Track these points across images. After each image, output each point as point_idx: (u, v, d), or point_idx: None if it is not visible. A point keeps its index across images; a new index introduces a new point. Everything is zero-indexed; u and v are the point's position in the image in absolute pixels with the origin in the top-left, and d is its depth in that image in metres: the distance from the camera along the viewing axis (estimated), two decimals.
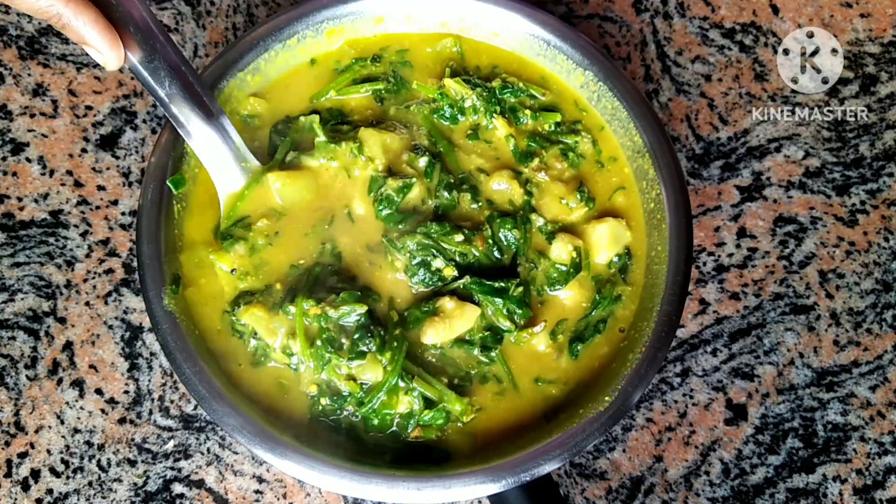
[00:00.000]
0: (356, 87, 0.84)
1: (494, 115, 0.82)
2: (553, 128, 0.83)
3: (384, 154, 0.78)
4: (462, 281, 0.75)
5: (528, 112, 0.83)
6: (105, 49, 0.62)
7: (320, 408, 0.72)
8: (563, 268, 0.77)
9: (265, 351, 0.73)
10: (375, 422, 0.72)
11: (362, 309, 0.72)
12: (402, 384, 0.71)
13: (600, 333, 0.77)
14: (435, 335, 0.73)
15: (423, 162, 0.78)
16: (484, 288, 0.75)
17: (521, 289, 0.76)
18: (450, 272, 0.75)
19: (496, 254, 0.77)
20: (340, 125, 0.82)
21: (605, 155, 0.83)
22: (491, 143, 0.83)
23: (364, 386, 0.72)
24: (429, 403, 0.72)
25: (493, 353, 0.75)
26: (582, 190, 0.81)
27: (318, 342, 0.71)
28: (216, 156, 0.75)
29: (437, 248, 0.75)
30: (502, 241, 0.78)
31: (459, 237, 0.76)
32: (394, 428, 0.72)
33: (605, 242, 0.78)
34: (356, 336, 0.71)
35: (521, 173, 0.81)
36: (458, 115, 0.83)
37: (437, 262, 0.75)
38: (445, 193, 0.79)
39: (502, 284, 0.75)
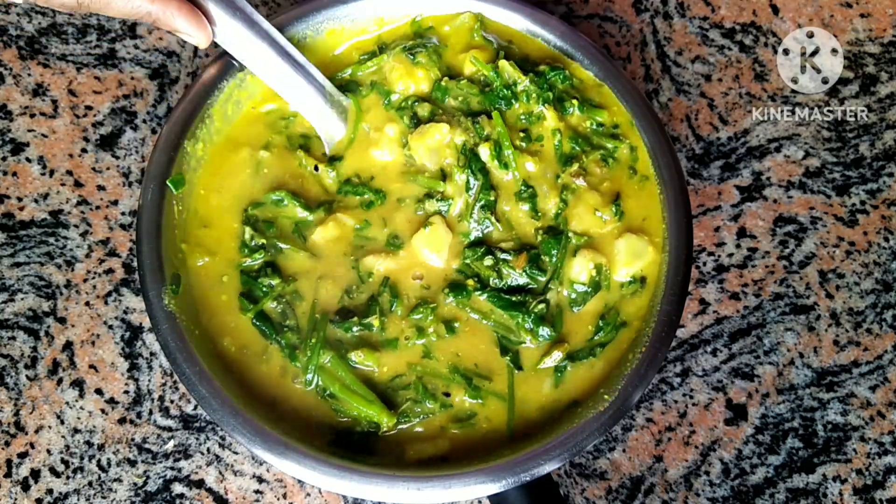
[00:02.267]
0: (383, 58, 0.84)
1: (546, 103, 0.79)
2: (596, 126, 0.81)
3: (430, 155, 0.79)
4: (481, 295, 0.75)
5: (575, 102, 0.80)
6: (193, 31, 0.69)
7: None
8: (583, 287, 0.76)
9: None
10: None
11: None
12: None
13: (595, 357, 0.75)
14: None
15: (462, 178, 0.78)
16: (502, 302, 0.75)
17: (542, 306, 0.75)
18: (472, 284, 0.76)
19: (534, 273, 0.76)
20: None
21: (639, 168, 0.81)
22: (542, 143, 0.81)
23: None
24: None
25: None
26: (617, 203, 0.78)
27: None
28: (315, 108, 0.79)
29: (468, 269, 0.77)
30: (546, 260, 0.76)
31: (489, 261, 0.76)
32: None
33: (622, 259, 0.76)
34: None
35: (559, 176, 0.79)
36: (511, 98, 0.80)
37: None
38: (482, 216, 0.78)
39: (520, 298, 0.75)
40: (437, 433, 0.72)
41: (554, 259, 0.76)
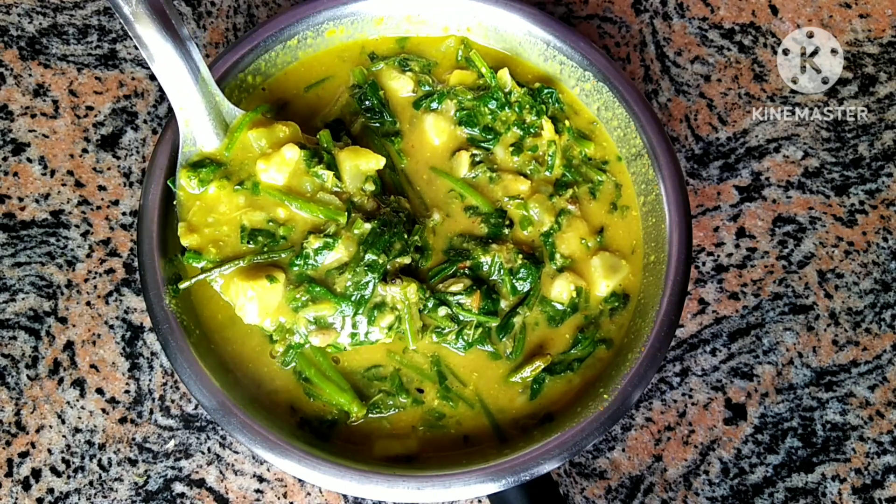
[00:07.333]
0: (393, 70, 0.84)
1: (542, 114, 0.82)
2: (585, 158, 0.83)
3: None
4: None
5: (567, 123, 0.83)
6: None
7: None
8: (561, 307, 0.78)
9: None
10: None
11: None
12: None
13: (572, 372, 0.76)
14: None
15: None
16: (466, 344, 0.76)
17: (504, 335, 0.76)
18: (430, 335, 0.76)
19: (492, 307, 0.76)
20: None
21: (620, 203, 0.83)
22: (536, 153, 0.82)
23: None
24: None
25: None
26: (602, 234, 0.81)
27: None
28: (180, 84, 0.71)
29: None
30: (518, 287, 0.77)
31: (443, 311, 0.75)
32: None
33: (601, 273, 0.78)
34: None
35: (552, 196, 0.81)
36: (504, 105, 0.82)
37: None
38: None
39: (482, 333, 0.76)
40: (407, 432, 0.73)
41: (527, 286, 0.77)
